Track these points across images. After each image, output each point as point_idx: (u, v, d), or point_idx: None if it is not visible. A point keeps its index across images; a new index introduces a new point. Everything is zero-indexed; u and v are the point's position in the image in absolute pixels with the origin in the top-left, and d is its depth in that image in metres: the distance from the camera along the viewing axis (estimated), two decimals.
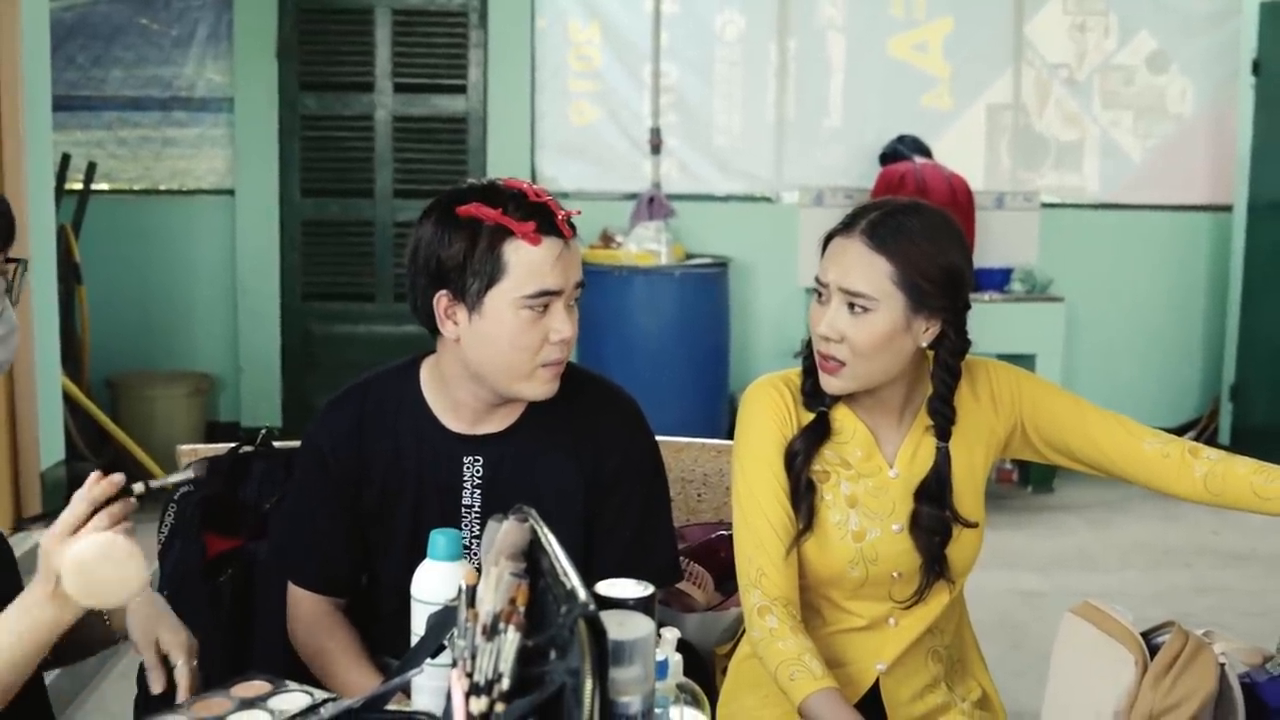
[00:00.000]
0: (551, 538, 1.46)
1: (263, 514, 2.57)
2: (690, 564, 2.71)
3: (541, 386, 2.24)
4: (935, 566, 2.36)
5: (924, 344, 2.30)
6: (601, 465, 2.35)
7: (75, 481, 6.25)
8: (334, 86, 7.37)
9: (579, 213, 2.28)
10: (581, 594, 1.32)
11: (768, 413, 2.37)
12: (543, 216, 2.18)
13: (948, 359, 2.33)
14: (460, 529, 2.27)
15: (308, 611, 2.35)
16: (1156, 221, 7.72)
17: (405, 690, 1.77)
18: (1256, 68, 7.44)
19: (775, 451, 2.34)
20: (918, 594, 2.37)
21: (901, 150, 7.06)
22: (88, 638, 2.00)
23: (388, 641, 2.32)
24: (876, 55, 7.51)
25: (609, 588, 1.57)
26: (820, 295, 2.31)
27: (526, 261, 2.17)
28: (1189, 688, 2.04)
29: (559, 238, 2.19)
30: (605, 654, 1.30)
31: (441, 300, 2.21)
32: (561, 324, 2.20)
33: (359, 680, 2.23)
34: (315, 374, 7.19)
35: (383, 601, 2.35)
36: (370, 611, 2.39)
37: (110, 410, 6.58)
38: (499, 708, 1.31)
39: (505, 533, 1.48)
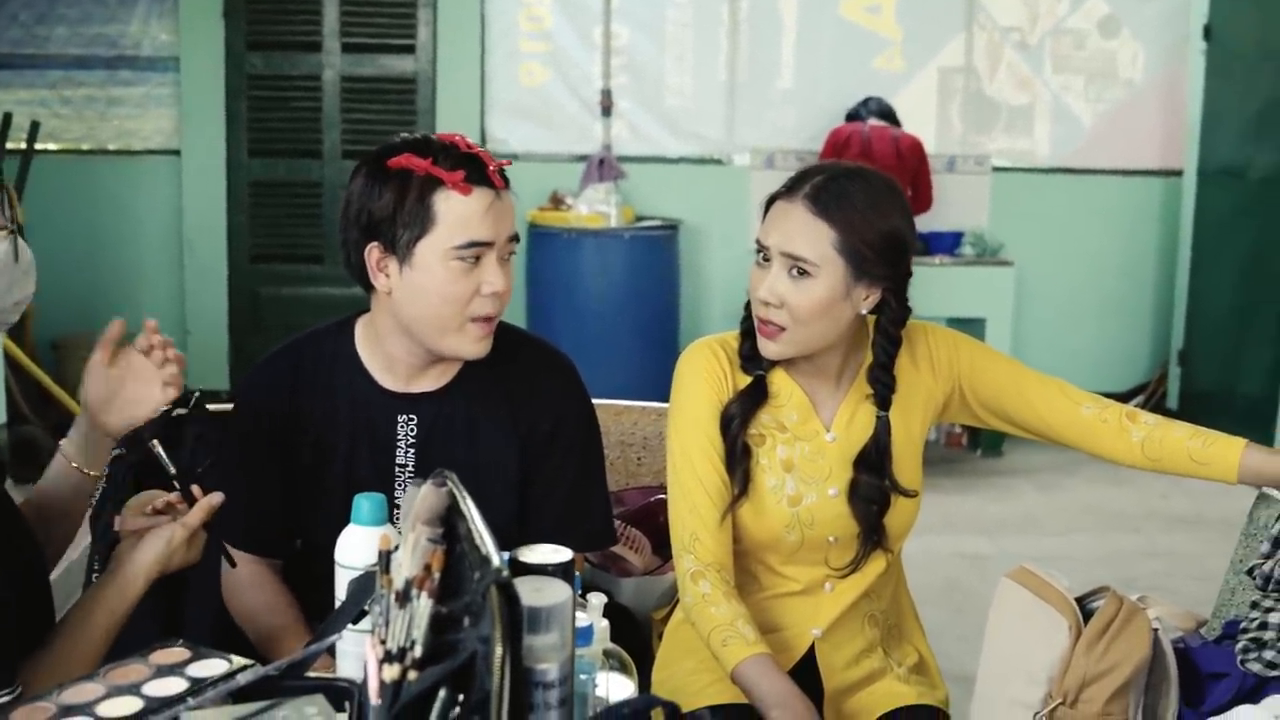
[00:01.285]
0: (470, 502, 1.43)
1: (197, 476, 2.53)
2: (628, 528, 2.70)
3: (473, 344, 2.22)
4: (873, 536, 2.35)
5: (864, 311, 2.28)
6: (536, 426, 2.33)
7: (18, 445, 6.17)
8: (281, 46, 7.30)
9: (508, 163, 2.26)
10: (494, 560, 1.29)
11: (703, 375, 2.35)
12: (473, 166, 2.16)
13: (888, 327, 2.32)
14: (395, 488, 2.27)
15: (242, 573, 2.32)
16: (1107, 186, 7.74)
17: (332, 655, 1.74)
18: (1207, 32, 7.46)
19: (710, 415, 2.32)
20: (854, 563, 2.36)
21: (861, 113, 7.04)
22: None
23: (324, 606, 2.29)
24: (829, 17, 7.49)
25: (528, 554, 1.54)
26: (761, 257, 2.29)
27: (456, 212, 2.15)
28: (1121, 653, 2.05)
29: (490, 188, 2.17)
30: (519, 621, 1.28)
31: (373, 253, 2.19)
32: (493, 276, 2.18)
33: (292, 644, 2.21)
34: (263, 336, 7.12)
35: (317, 564, 2.32)
36: (307, 575, 2.37)
37: (54, 373, 6.50)
38: (411, 675, 1.29)
39: (423, 497, 1.46)
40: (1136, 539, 5.86)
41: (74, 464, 2.10)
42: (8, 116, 6.40)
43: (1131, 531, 5.96)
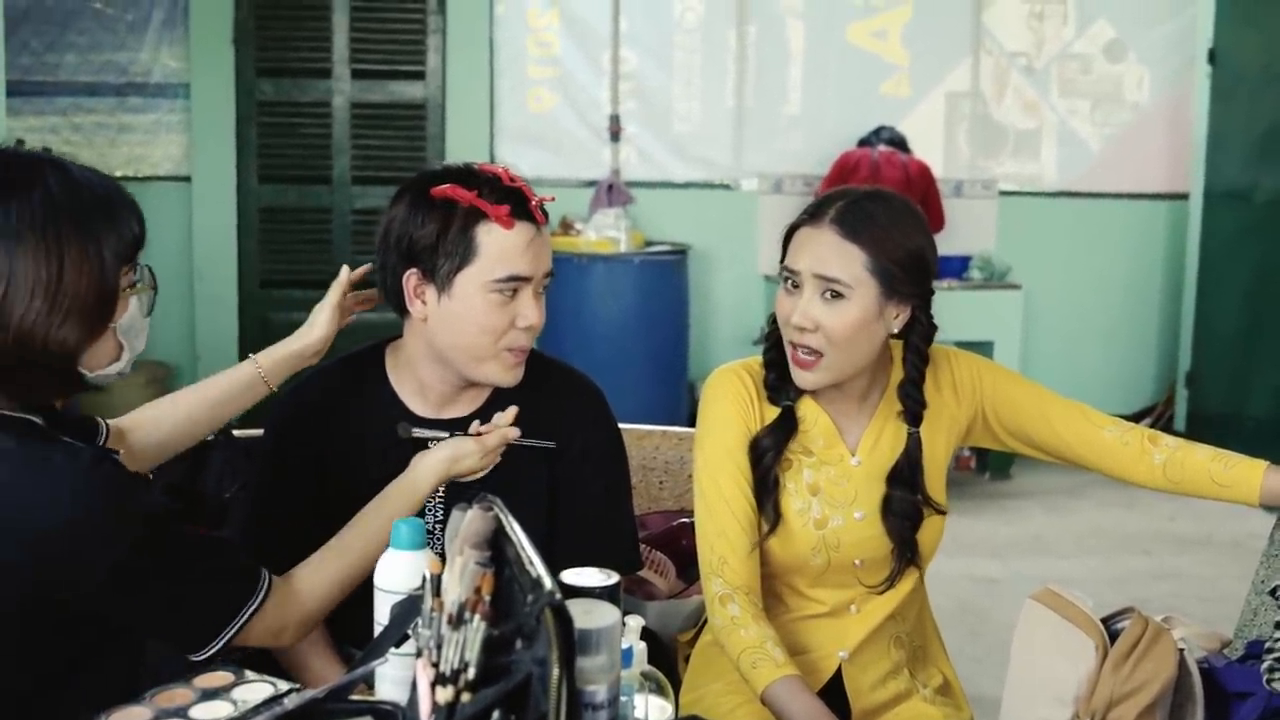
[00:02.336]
0: (516, 526, 1.45)
1: (223, 503, 2.56)
2: (652, 552, 2.72)
3: (505, 372, 2.25)
4: (907, 552, 2.37)
5: (895, 330, 2.31)
6: (565, 452, 2.35)
7: None
8: (291, 72, 7.32)
9: (552, 199, 2.30)
10: (548, 583, 1.32)
11: (731, 401, 2.37)
12: (516, 201, 2.19)
13: (918, 344, 2.35)
14: (426, 514, 2.29)
15: None
16: (1113, 209, 7.77)
17: (369, 682, 1.76)
18: (1213, 57, 7.49)
19: (738, 440, 2.34)
20: (890, 580, 2.38)
21: (872, 140, 7.07)
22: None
23: (351, 630, 2.30)
24: (836, 42, 7.52)
25: (574, 576, 1.56)
26: (790, 285, 2.31)
27: (498, 245, 2.18)
28: (1149, 673, 2.06)
29: (531, 223, 2.21)
30: (572, 643, 1.30)
31: (411, 279, 2.22)
32: (529, 310, 2.22)
33: (324, 670, 2.22)
34: None
35: None
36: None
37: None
38: (465, 697, 1.31)
39: (470, 521, 1.48)
40: (1146, 561, 5.88)
41: (263, 376, 2.36)
42: (19, 143, 6.39)
43: (1141, 553, 5.97)
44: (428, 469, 2.17)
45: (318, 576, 2.04)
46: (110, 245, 1.79)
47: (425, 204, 2.20)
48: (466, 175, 2.22)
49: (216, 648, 1.87)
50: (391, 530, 1.82)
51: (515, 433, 2.22)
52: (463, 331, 2.21)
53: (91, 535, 1.72)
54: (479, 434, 2.23)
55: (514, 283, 2.20)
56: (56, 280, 1.74)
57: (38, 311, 1.73)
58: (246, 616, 1.88)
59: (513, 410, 2.25)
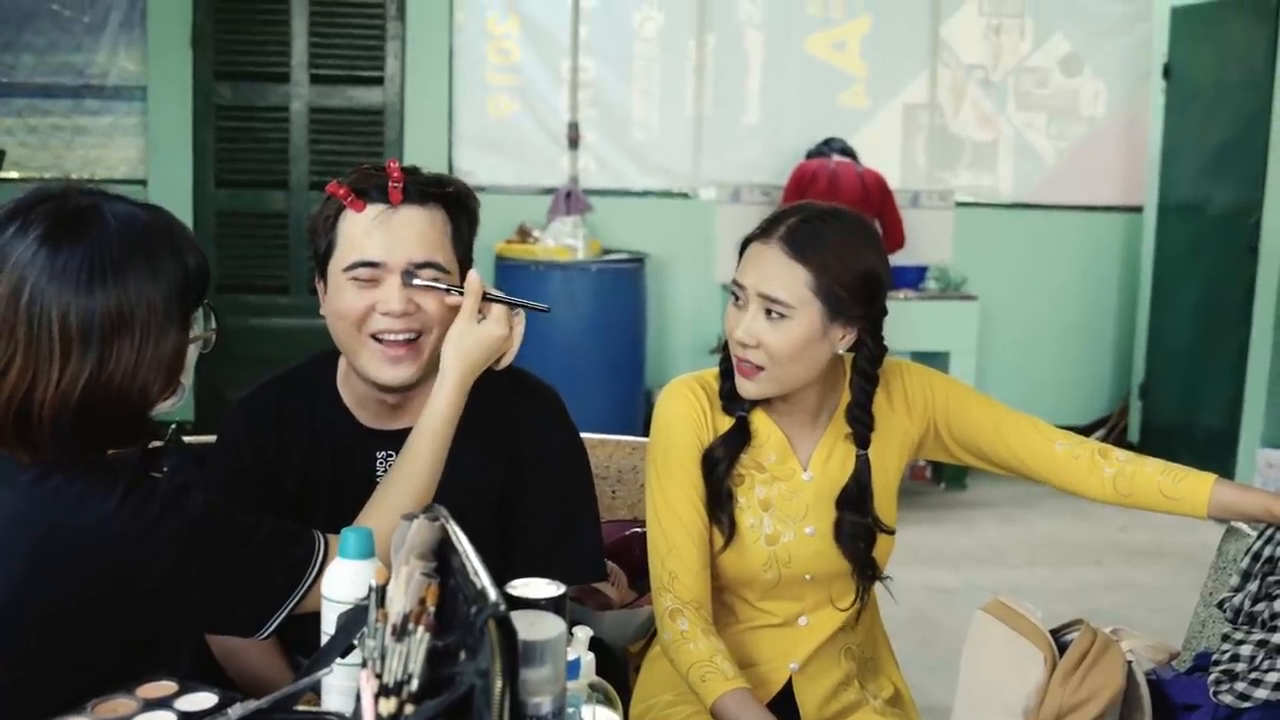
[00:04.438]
0: (462, 536, 1.44)
1: None
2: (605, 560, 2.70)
3: (380, 366, 2.17)
4: (868, 570, 2.38)
5: (840, 350, 2.31)
6: (520, 458, 2.31)
7: None
8: (249, 76, 7.30)
9: (404, 175, 2.17)
10: (492, 594, 1.31)
11: (683, 415, 2.36)
12: (375, 185, 2.15)
13: (865, 366, 2.34)
14: None
15: None
16: (1069, 221, 7.82)
17: (316, 690, 1.75)
18: (1167, 71, 7.56)
19: (689, 454, 2.34)
20: (857, 599, 2.39)
21: (824, 150, 7.09)
22: None
23: (303, 640, 2.29)
24: (794, 53, 7.55)
25: (521, 587, 1.55)
26: (737, 299, 2.31)
27: (348, 231, 2.15)
28: (1096, 685, 2.07)
29: (384, 203, 2.14)
30: (515, 655, 1.29)
31: (319, 280, 2.23)
32: (389, 296, 2.13)
33: (272, 679, 2.20)
34: (228, 367, 6.99)
35: None
36: None
37: None
38: (408, 709, 1.30)
39: (415, 531, 1.47)
40: (1097, 571, 5.91)
41: None
42: None
43: (1092, 564, 6.01)
44: (447, 365, 2.10)
45: (371, 520, 2.01)
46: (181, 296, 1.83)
47: (320, 206, 2.21)
48: (352, 171, 2.20)
49: (277, 623, 1.89)
50: (341, 539, 1.81)
51: (475, 276, 2.12)
52: (334, 322, 2.18)
53: (130, 562, 1.74)
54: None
55: (365, 269, 2.13)
56: (145, 341, 1.77)
57: (124, 370, 1.76)
58: (306, 587, 1.88)
59: (474, 273, 2.16)
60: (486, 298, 2.13)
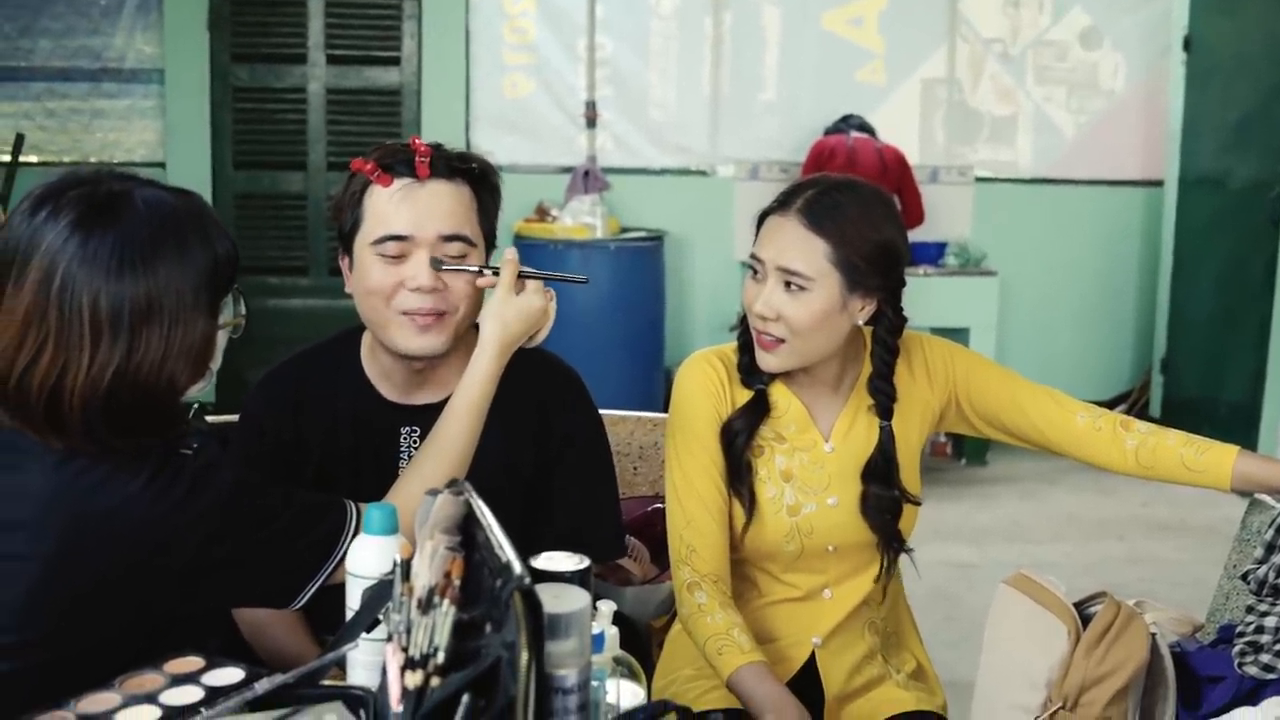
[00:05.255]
0: (486, 511, 1.45)
1: None
2: (626, 537, 2.71)
3: (410, 338, 2.19)
4: (894, 543, 2.38)
5: (860, 322, 2.30)
6: (542, 437, 2.32)
7: None
8: (266, 58, 7.31)
9: (430, 151, 2.19)
10: (517, 567, 1.31)
11: (701, 389, 2.36)
12: (401, 159, 2.16)
13: (885, 337, 2.34)
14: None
15: None
16: (1089, 196, 7.78)
17: (341, 665, 1.75)
18: (1188, 44, 7.51)
19: (708, 428, 2.34)
20: (885, 571, 2.39)
21: (842, 127, 7.07)
22: None
23: (326, 617, 2.29)
24: (811, 29, 7.52)
25: (545, 561, 1.56)
26: (755, 272, 2.30)
27: (375, 205, 2.16)
28: (1121, 657, 2.06)
29: (410, 178, 2.16)
30: (541, 627, 1.29)
31: (343, 258, 2.24)
32: (417, 271, 2.15)
33: (298, 654, 2.21)
34: (248, 348, 6.96)
35: None
36: None
37: None
38: (435, 682, 1.31)
39: (439, 506, 1.47)
40: (1120, 546, 5.90)
41: None
42: None
43: (1115, 539, 5.99)
44: (487, 335, 2.13)
45: (409, 489, 2.03)
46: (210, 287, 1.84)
47: (344, 182, 2.22)
48: (377, 148, 2.21)
49: (311, 592, 1.91)
50: (364, 515, 1.81)
51: (512, 253, 2.17)
52: (362, 298, 2.20)
53: (160, 540, 1.76)
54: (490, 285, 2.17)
55: (393, 243, 2.15)
56: (173, 329, 1.77)
57: (153, 358, 1.76)
58: (340, 557, 1.89)
59: (512, 248, 2.19)
60: (522, 275, 2.15)
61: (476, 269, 2.17)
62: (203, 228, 1.83)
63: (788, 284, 2.24)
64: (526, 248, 6.74)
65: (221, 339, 1.89)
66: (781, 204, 2.30)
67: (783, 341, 2.26)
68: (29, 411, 1.74)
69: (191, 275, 1.79)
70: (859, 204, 2.28)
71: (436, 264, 2.15)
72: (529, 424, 2.31)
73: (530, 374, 2.31)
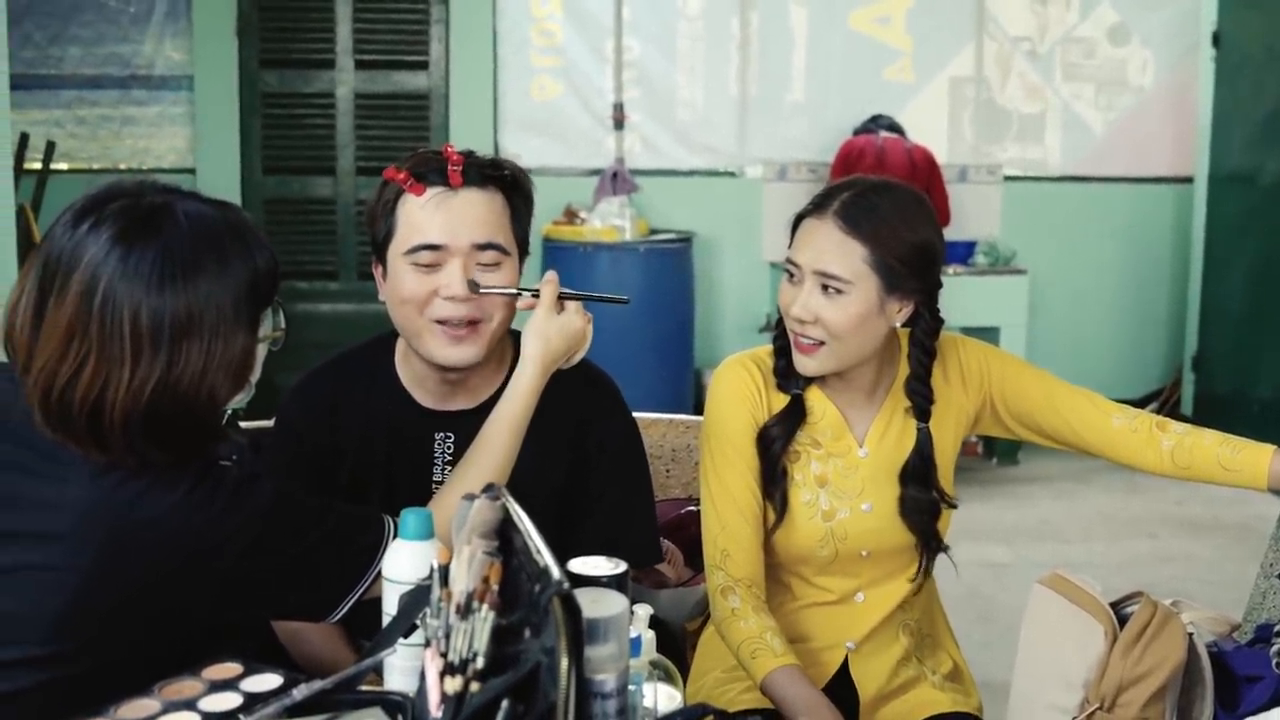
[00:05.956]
0: (524, 515, 1.45)
1: None
2: (662, 541, 2.71)
3: (443, 347, 2.19)
4: (932, 544, 2.38)
5: (898, 324, 2.29)
6: (577, 443, 2.32)
7: None
8: (295, 63, 7.33)
9: (463, 159, 2.19)
10: (555, 572, 1.31)
11: (737, 393, 2.36)
12: (434, 168, 2.16)
13: (923, 339, 2.33)
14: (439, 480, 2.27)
15: None
16: (1118, 193, 7.76)
17: (378, 671, 1.76)
18: (1216, 40, 7.48)
19: (743, 432, 2.34)
20: (922, 571, 2.39)
21: (871, 128, 7.07)
22: None
23: (361, 623, 2.30)
24: (839, 29, 7.51)
25: (582, 565, 1.56)
26: (792, 276, 2.30)
27: (408, 214, 2.16)
28: (1158, 657, 2.05)
29: (443, 186, 2.16)
30: (580, 632, 1.30)
31: (376, 266, 2.24)
32: (450, 280, 2.15)
33: (335, 661, 2.21)
34: (279, 353, 7.06)
35: None
36: None
37: None
38: (474, 687, 1.31)
39: (477, 511, 1.48)
40: (1153, 545, 5.88)
41: None
42: (24, 137, 6.41)
43: (1147, 537, 5.97)
44: (529, 353, 2.15)
45: (449, 501, 2.02)
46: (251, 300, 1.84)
47: (377, 191, 2.22)
48: (410, 156, 2.21)
49: (349, 605, 1.91)
50: (400, 520, 1.81)
51: (552, 274, 2.18)
52: (396, 308, 2.20)
53: (200, 551, 1.77)
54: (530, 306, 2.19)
55: (426, 252, 2.15)
56: (214, 343, 1.78)
57: (193, 372, 1.76)
58: (377, 572, 1.88)
59: (552, 273, 2.21)
60: (562, 296, 2.16)
61: (515, 291, 2.18)
62: (243, 241, 1.83)
63: (825, 287, 2.24)
64: (555, 250, 6.78)
65: (261, 351, 1.90)
66: (817, 206, 2.29)
67: (822, 344, 2.26)
68: (71, 425, 1.75)
69: (232, 289, 1.79)
70: (895, 205, 2.27)
71: (474, 287, 2.15)
72: (564, 432, 2.30)
73: (570, 382, 2.30)
